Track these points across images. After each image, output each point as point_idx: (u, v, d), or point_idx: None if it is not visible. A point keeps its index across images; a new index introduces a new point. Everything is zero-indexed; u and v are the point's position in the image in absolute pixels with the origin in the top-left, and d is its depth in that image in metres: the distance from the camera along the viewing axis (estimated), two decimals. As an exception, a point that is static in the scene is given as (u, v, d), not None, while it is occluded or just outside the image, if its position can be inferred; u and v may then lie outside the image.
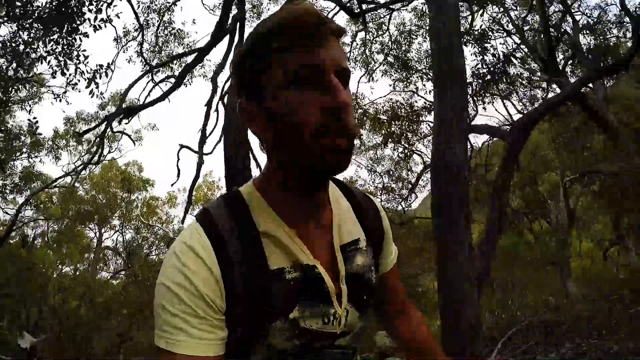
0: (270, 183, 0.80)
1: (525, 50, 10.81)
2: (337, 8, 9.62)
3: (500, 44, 17.53)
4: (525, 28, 10.75)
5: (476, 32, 9.25)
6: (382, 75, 13.09)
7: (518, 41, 10.66)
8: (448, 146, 4.64)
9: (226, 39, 7.89)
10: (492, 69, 9.09)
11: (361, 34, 12.41)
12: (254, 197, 0.80)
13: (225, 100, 9.45)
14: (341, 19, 17.64)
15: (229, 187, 6.64)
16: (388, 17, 11.67)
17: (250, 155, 6.62)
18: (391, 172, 14.87)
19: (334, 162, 0.71)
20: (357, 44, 12.57)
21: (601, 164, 10.65)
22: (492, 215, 5.92)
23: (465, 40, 8.61)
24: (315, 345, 0.80)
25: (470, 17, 10.76)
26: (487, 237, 5.81)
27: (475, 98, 10.07)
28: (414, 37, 11.85)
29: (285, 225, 0.78)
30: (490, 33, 9.51)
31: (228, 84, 9.58)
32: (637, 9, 8.10)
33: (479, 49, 8.89)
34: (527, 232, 17.70)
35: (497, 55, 9.34)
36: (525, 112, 11.33)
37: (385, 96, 13.61)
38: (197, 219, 0.78)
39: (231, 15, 7.68)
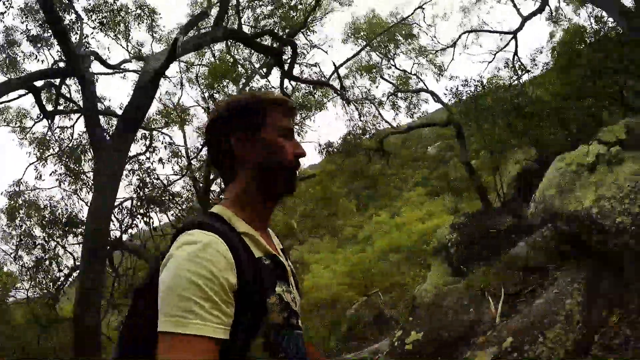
0: (238, 202, 1.10)
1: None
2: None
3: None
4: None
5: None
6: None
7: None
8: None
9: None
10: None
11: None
12: (227, 213, 1.06)
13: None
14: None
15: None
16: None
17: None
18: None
19: (294, 185, 1.15)
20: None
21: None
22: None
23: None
24: (292, 322, 1.04)
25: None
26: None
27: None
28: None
29: (252, 229, 1.06)
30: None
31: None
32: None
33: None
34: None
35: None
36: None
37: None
38: (196, 227, 0.98)
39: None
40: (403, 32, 14.37)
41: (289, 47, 10.82)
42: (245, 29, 11.14)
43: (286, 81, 11.93)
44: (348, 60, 13.53)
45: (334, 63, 12.45)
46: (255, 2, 11.10)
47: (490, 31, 15.06)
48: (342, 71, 13.48)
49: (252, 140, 1.11)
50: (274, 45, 10.67)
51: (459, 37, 15.09)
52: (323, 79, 12.51)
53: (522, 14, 14.42)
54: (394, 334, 5.57)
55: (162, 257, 0.99)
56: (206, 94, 12.58)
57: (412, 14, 14.32)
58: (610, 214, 4.08)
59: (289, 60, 10.81)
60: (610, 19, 11.41)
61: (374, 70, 13.95)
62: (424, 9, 14.37)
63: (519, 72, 13.96)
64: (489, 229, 6.94)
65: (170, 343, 0.84)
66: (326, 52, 13.62)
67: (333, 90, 12.68)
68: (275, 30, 10.84)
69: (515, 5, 14.43)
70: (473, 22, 20.82)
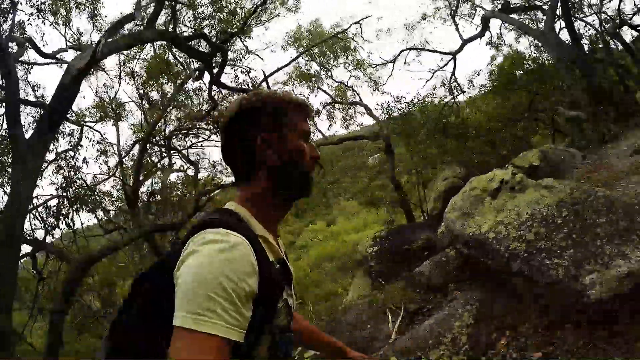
0: (254, 202, 1.08)
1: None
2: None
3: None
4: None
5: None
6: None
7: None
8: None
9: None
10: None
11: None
12: (243, 212, 1.06)
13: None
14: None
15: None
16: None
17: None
18: None
19: (311, 189, 1.15)
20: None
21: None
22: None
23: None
24: (291, 325, 1.09)
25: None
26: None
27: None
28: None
29: (267, 231, 1.07)
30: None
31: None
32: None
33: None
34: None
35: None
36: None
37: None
38: (217, 224, 0.95)
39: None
40: (342, 44, 14.55)
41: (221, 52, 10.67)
42: (186, 29, 10.98)
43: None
44: (280, 69, 13.55)
45: (263, 72, 12.42)
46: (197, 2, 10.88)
47: (430, 50, 15.57)
48: (282, 77, 13.55)
49: (276, 141, 1.10)
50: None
51: (399, 53, 15.48)
52: (256, 84, 12.36)
53: (463, 37, 14.97)
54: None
55: (175, 250, 0.99)
56: (141, 91, 12.27)
57: (348, 28, 14.58)
58: (505, 240, 4.18)
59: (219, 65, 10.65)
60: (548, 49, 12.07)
61: (313, 80, 14.04)
62: (361, 24, 14.62)
63: (455, 92, 14.51)
64: (404, 245, 7.03)
65: (188, 340, 0.83)
66: (262, 58, 13.66)
67: None
68: (210, 34, 10.66)
69: (457, 28, 15.00)
70: (416, 39, 21.45)
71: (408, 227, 9.42)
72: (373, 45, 47.61)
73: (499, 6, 14.18)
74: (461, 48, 14.82)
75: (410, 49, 15.62)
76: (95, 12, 11.51)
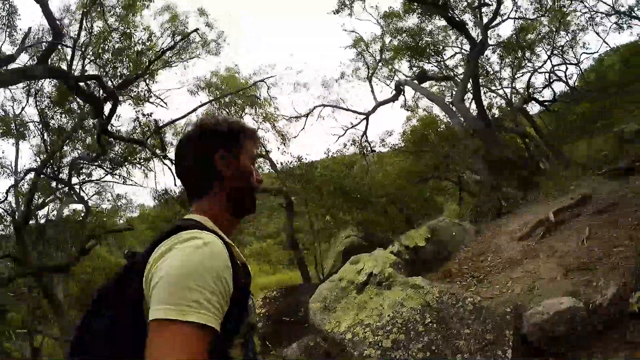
0: (211, 215, 1.15)
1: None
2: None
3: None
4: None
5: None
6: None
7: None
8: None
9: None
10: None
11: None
12: (207, 222, 1.11)
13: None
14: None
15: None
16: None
17: None
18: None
19: (255, 206, 1.27)
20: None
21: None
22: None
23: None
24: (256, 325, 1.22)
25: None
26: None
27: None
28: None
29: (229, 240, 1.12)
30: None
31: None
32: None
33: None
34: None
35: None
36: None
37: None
38: (190, 227, 1.03)
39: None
40: (250, 96, 14.47)
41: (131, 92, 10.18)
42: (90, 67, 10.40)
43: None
44: (182, 117, 13.11)
45: (156, 122, 11.86)
46: (100, 42, 10.41)
47: (344, 109, 15.68)
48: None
49: (232, 160, 1.20)
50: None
51: (313, 108, 15.50)
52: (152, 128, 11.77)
53: (377, 99, 15.31)
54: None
55: (141, 259, 0.99)
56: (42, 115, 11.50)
57: (251, 85, 14.56)
58: (361, 344, 3.76)
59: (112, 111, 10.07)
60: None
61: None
62: (265, 82, 14.68)
63: (365, 152, 14.67)
64: (294, 307, 6.55)
65: (171, 331, 0.83)
66: (165, 104, 12.99)
67: (147, 148, 12.17)
68: (116, 72, 10.02)
69: (372, 90, 15.35)
70: (333, 96, 21.87)
71: (302, 288, 8.97)
72: (291, 98, 48.81)
73: (416, 72, 14.63)
74: (374, 109, 15.12)
75: (324, 105, 15.71)
76: (10, 22, 10.58)
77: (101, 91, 9.73)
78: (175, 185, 13.25)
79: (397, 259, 6.39)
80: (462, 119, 12.21)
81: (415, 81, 14.59)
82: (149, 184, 26.35)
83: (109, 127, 10.41)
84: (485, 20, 13.16)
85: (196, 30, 12.66)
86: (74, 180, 13.18)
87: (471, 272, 5.58)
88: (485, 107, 13.26)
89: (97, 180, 14.45)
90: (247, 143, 1.24)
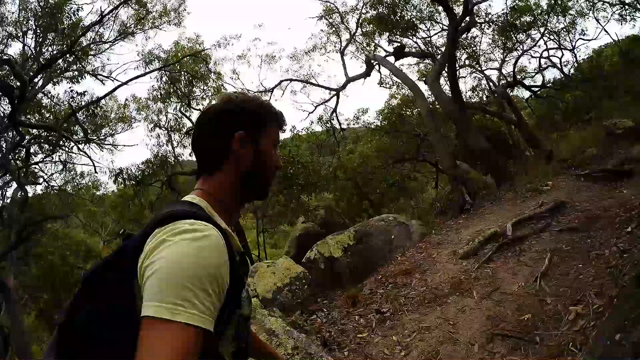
0: (217, 195, 1.07)
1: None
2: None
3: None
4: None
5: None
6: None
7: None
8: None
9: None
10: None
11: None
12: (205, 205, 1.04)
13: None
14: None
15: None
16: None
17: None
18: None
19: (268, 192, 1.20)
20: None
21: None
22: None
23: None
24: (251, 314, 1.14)
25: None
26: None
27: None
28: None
29: (226, 225, 1.04)
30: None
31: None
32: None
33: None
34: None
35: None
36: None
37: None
38: (186, 216, 0.92)
39: None
40: (202, 70, 13.25)
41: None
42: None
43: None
44: (107, 95, 12.11)
45: (70, 105, 10.60)
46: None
47: (312, 84, 14.33)
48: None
49: (251, 142, 1.10)
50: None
51: (279, 83, 14.19)
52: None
53: (349, 74, 13.88)
54: None
55: (133, 244, 0.92)
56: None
57: (202, 50, 13.29)
58: None
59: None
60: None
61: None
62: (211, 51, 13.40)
63: (334, 129, 13.43)
64: None
65: (162, 330, 0.78)
66: (103, 83, 11.98)
67: (62, 136, 11.32)
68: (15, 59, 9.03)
69: (344, 65, 13.92)
70: (304, 70, 20.17)
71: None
72: (258, 72, 46.44)
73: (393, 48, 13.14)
74: (344, 85, 13.76)
75: (291, 79, 14.28)
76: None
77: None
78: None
79: (302, 272, 5.09)
80: (432, 99, 10.81)
81: (392, 57, 13.11)
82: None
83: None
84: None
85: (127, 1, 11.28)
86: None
87: (380, 303, 4.31)
88: (462, 91, 11.86)
89: (34, 163, 13.30)
90: (272, 127, 1.16)
